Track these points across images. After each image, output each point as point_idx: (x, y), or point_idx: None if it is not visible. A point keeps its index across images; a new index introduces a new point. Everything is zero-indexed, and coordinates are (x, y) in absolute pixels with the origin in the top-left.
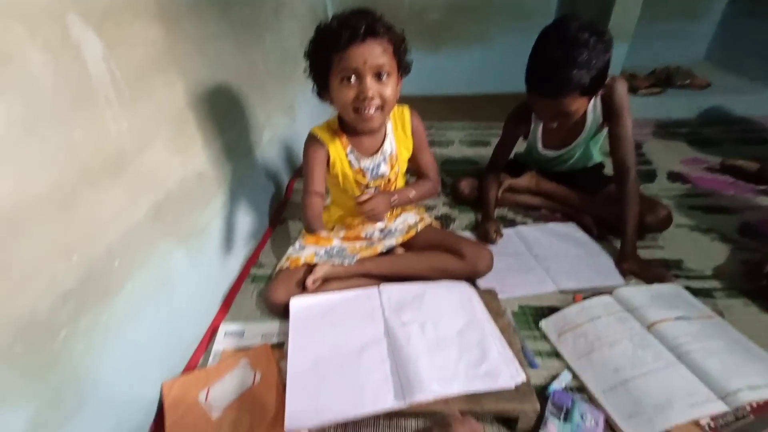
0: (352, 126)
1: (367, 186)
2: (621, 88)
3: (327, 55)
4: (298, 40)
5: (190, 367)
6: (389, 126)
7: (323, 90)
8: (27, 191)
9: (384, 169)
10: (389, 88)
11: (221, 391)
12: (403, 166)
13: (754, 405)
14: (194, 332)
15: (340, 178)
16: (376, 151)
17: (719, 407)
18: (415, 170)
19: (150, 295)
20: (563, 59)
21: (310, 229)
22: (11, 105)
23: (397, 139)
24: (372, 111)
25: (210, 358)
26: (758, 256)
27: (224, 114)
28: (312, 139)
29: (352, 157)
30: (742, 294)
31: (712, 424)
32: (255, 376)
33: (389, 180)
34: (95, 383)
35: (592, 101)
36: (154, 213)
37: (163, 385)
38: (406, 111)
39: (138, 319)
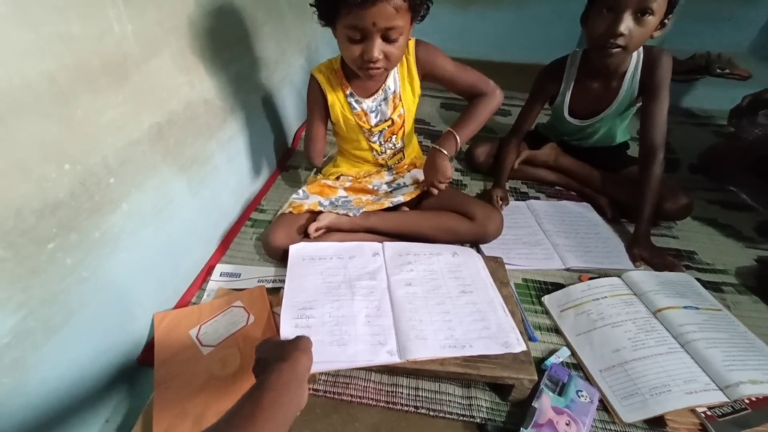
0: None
1: (370, 131)
2: (666, 62)
3: (335, 3)
4: None
5: (183, 302)
6: None
7: (328, 25)
8: (15, 78)
9: (386, 109)
10: (397, 48)
11: (213, 328)
12: (409, 108)
13: (753, 399)
14: (190, 267)
15: (342, 122)
16: (377, 90)
17: (718, 397)
18: (465, 95)
19: (147, 219)
20: None
21: (311, 162)
22: None
23: (402, 76)
24: (375, 71)
25: (204, 296)
26: None
27: (237, 39)
28: (311, 81)
29: (352, 101)
30: (752, 291)
31: (708, 413)
32: (248, 317)
33: (393, 122)
34: (84, 301)
35: (630, 70)
36: (156, 133)
37: (155, 315)
38: (410, 44)
39: (133, 243)
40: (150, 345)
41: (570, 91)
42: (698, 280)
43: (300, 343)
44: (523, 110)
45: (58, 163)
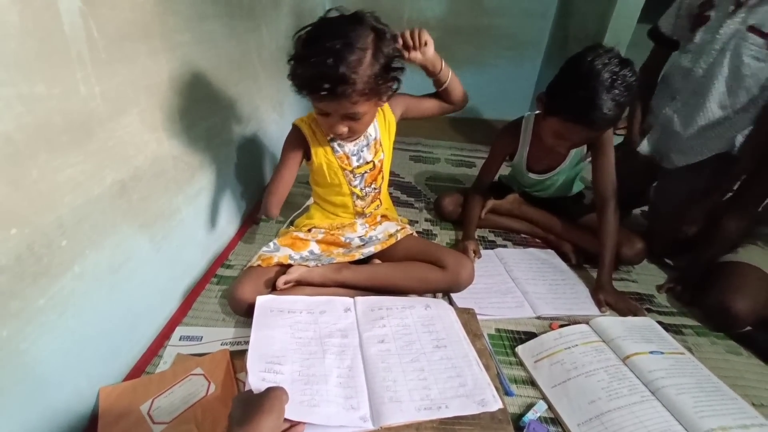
0: None
1: (352, 173)
2: None
3: (302, 89)
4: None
5: (137, 371)
6: None
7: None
8: None
9: (367, 154)
10: (362, 123)
11: (168, 401)
12: (387, 153)
13: None
14: (147, 330)
15: (325, 168)
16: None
17: None
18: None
19: (102, 279)
20: (616, 96)
21: (266, 210)
22: None
23: (381, 123)
24: (343, 139)
25: (160, 364)
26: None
27: (210, 97)
28: (293, 130)
29: (334, 144)
30: (710, 333)
31: None
32: (209, 385)
33: (374, 165)
34: (19, 376)
35: None
36: (118, 189)
37: (101, 390)
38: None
39: (83, 307)
40: (94, 424)
41: (527, 151)
42: (659, 323)
43: (266, 403)
44: (484, 166)
45: (3, 227)
